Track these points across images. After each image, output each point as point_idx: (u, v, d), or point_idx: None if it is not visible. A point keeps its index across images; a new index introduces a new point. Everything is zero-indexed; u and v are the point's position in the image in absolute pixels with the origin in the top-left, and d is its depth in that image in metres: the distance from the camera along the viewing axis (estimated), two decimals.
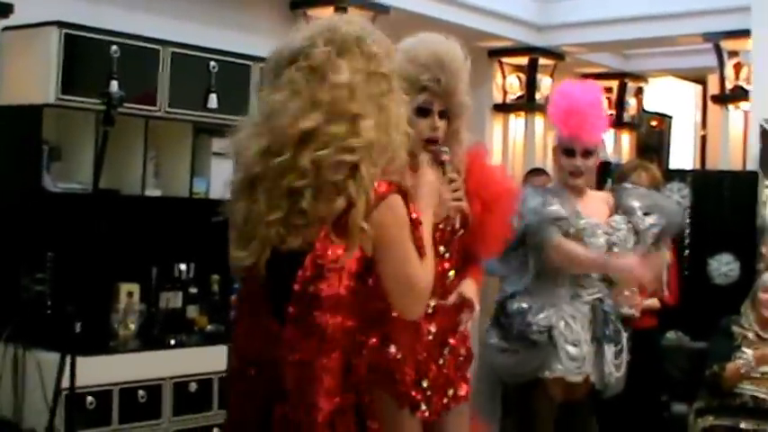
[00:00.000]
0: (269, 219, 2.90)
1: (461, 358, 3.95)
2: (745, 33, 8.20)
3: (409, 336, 3.74)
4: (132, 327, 6.04)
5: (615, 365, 4.75)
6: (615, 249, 4.68)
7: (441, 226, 3.76)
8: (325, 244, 2.86)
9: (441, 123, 3.75)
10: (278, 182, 2.90)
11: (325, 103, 2.91)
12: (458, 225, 3.85)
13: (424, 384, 3.78)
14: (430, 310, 3.78)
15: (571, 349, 4.64)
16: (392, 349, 3.71)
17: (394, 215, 2.92)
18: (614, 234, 4.70)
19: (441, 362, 3.84)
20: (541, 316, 4.64)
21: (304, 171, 2.86)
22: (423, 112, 3.72)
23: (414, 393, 3.74)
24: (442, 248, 3.81)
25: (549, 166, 9.39)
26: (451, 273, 3.87)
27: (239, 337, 3.12)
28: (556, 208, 4.64)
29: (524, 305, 4.66)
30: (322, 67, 2.96)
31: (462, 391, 3.93)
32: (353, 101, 2.93)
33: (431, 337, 3.82)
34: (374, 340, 3.69)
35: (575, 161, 4.73)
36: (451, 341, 3.89)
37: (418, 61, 3.70)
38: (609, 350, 4.74)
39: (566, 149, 4.74)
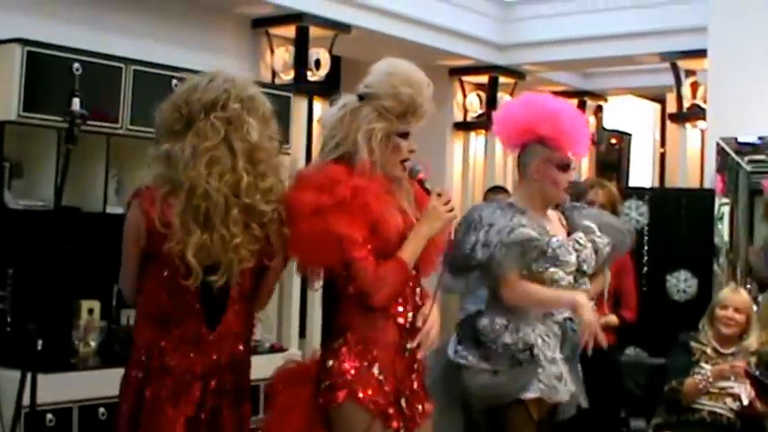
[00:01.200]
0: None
1: (422, 374, 3.99)
2: (701, 53, 8.28)
3: (391, 355, 3.81)
4: (93, 344, 6.03)
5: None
6: (584, 267, 4.68)
7: (400, 241, 3.82)
8: None
9: (414, 145, 3.88)
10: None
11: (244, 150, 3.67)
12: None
13: (402, 403, 3.81)
14: (408, 325, 3.86)
15: (552, 368, 4.60)
16: (375, 370, 3.77)
17: None
18: (582, 251, 4.71)
19: (413, 376, 3.88)
20: (521, 334, 4.57)
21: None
22: (404, 135, 3.84)
23: (394, 412, 3.78)
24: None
25: (510, 183, 9.48)
26: (418, 289, 3.92)
27: None
28: (525, 231, 4.53)
29: (503, 321, 4.58)
30: (237, 121, 3.69)
31: (428, 406, 3.95)
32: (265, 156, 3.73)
33: (407, 354, 3.85)
34: (356, 363, 3.76)
35: (569, 176, 4.72)
36: (419, 357, 3.92)
37: (414, 87, 3.80)
38: (579, 369, 4.77)
39: (562, 164, 4.66)
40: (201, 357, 3.78)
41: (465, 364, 4.64)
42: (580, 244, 4.70)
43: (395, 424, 3.77)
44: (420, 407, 3.89)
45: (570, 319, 4.71)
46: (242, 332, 3.91)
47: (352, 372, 3.74)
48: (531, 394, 4.57)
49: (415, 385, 3.88)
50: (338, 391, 3.73)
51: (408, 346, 3.84)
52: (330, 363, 3.79)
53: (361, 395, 3.72)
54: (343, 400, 3.72)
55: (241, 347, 3.92)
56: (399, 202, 3.86)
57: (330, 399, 3.74)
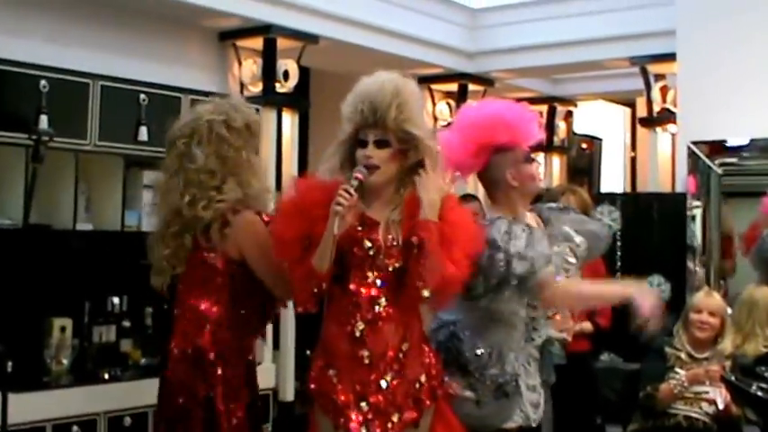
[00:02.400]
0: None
1: (418, 385, 3.97)
2: (670, 57, 8.30)
3: (346, 361, 3.90)
4: (65, 362, 5.99)
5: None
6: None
7: (355, 250, 3.90)
8: None
9: (376, 152, 3.91)
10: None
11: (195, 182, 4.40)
12: (399, 261, 3.93)
13: (364, 408, 3.85)
14: (358, 334, 3.90)
15: (532, 396, 4.53)
16: (330, 373, 3.92)
17: None
18: (569, 270, 4.64)
19: (383, 385, 3.88)
20: (507, 366, 4.46)
21: None
22: (360, 142, 3.93)
23: (350, 414, 3.84)
24: (369, 273, 3.93)
25: (480, 192, 9.46)
26: (382, 300, 3.91)
27: None
28: (543, 248, 4.43)
29: (486, 350, 4.44)
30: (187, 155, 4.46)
31: (410, 416, 3.95)
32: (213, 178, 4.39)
33: (367, 362, 3.88)
34: (320, 363, 3.97)
35: (537, 163, 4.71)
36: (396, 367, 3.91)
37: (348, 98, 3.95)
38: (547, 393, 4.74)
39: (529, 158, 4.61)
40: None
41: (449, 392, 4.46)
42: (568, 262, 4.65)
43: (351, 426, 3.85)
44: (395, 417, 3.89)
45: (550, 341, 4.70)
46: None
47: (315, 373, 3.98)
48: (512, 424, 4.53)
49: (390, 396, 3.88)
50: (308, 392, 4.02)
51: (365, 353, 3.88)
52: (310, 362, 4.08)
53: (319, 397, 3.94)
54: (312, 401, 3.99)
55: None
56: (368, 209, 3.94)
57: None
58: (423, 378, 3.99)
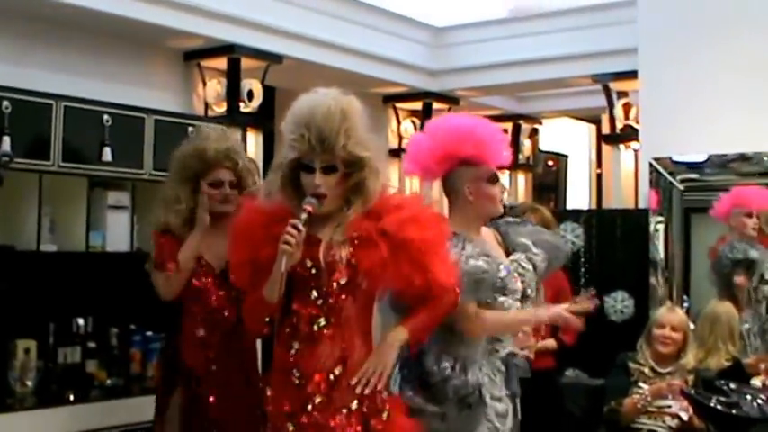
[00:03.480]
0: None
1: (346, 410, 3.87)
2: (632, 74, 8.35)
3: (281, 379, 3.91)
4: (30, 384, 5.97)
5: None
6: (528, 291, 4.63)
7: (298, 269, 3.84)
8: None
9: (324, 179, 3.83)
10: None
11: None
12: (343, 278, 3.89)
13: (290, 429, 3.84)
14: (293, 352, 3.88)
15: (498, 406, 4.51)
16: (268, 389, 3.95)
17: None
18: (525, 275, 4.68)
19: (309, 407, 3.84)
20: (469, 376, 4.45)
21: None
22: (306, 168, 3.85)
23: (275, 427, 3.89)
24: (314, 293, 3.87)
25: (445, 210, 9.49)
26: (321, 320, 3.88)
27: None
28: (476, 263, 4.41)
29: (449, 362, 4.43)
30: None
31: None
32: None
33: (296, 381, 3.86)
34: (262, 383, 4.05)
35: (500, 187, 4.67)
36: (323, 388, 3.86)
37: (289, 120, 3.86)
38: (517, 404, 4.74)
39: (494, 178, 4.60)
40: None
41: (412, 407, 4.39)
42: (523, 267, 4.66)
43: None
44: None
45: (514, 353, 4.72)
46: None
47: (263, 389, 3.99)
48: None
49: (319, 418, 3.82)
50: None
51: (296, 373, 3.87)
52: None
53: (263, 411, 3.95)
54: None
55: None
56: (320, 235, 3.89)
57: None
58: (353, 405, 3.87)
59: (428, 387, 4.46)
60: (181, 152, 5.15)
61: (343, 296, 3.90)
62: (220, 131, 5.25)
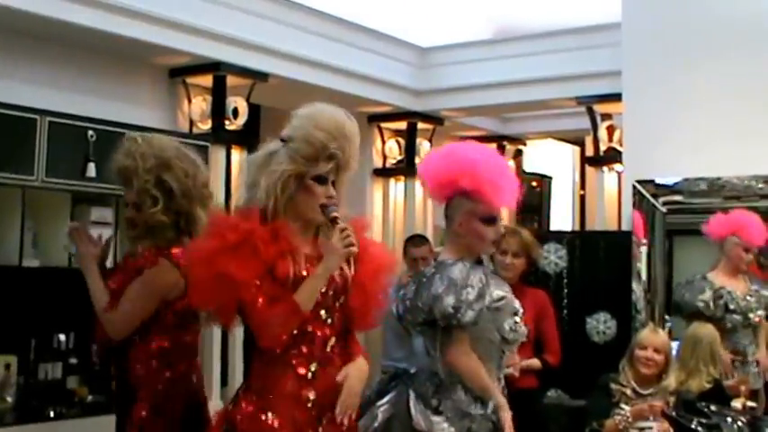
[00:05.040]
0: None
1: (344, 429, 3.91)
2: (616, 97, 8.38)
3: (288, 404, 3.78)
4: (10, 399, 5.96)
5: None
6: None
7: (322, 290, 3.81)
8: None
9: (333, 191, 3.87)
10: None
11: None
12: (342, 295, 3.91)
13: None
14: (310, 376, 3.83)
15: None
16: (269, 416, 3.76)
17: None
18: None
19: (320, 430, 3.83)
20: (491, 406, 4.50)
21: None
22: (320, 179, 3.83)
23: None
24: (323, 313, 3.85)
25: (430, 230, 9.51)
26: (332, 339, 3.89)
27: None
28: (499, 292, 4.52)
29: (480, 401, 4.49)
30: None
31: None
32: None
33: (310, 405, 3.82)
34: (250, 408, 3.78)
35: (497, 228, 4.65)
36: (331, 410, 3.85)
37: (327, 130, 3.81)
38: None
39: (489, 218, 4.57)
40: None
41: None
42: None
43: None
44: None
45: (501, 378, 4.74)
46: None
47: (245, 416, 3.77)
48: None
49: None
50: None
51: (311, 396, 3.81)
52: (229, 407, 3.88)
53: None
54: None
55: None
56: (304, 247, 3.85)
57: None
58: (346, 423, 3.91)
59: (465, 417, 4.49)
60: None
61: (338, 314, 3.93)
62: (148, 141, 4.65)
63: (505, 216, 10.71)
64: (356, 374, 3.90)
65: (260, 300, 3.68)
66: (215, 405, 6.50)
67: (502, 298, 4.51)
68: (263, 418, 3.76)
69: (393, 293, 4.80)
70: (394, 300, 4.81)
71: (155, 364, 4.48)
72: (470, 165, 4.55)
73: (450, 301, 4.38)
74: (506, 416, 4.42)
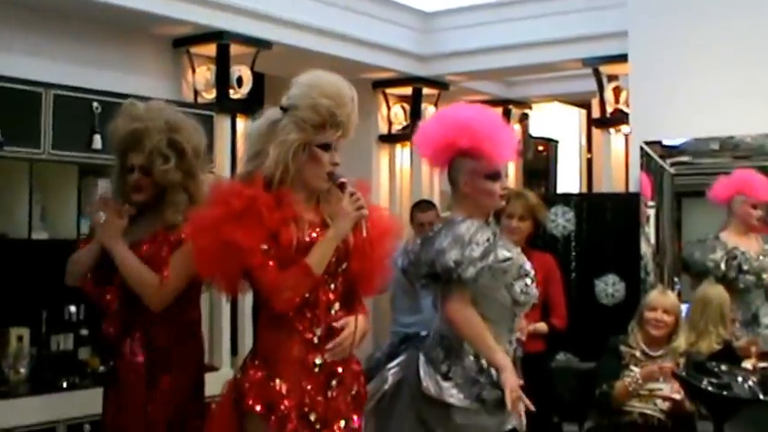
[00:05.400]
0: None
1: (353, 393, 3.99)
2: (622, 58, 8.36)
3: (296, 369, 3.82)
4: (23, 371, 5.98)
5: None
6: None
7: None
8: None
9: (338, 158, 3.92)
10: None
11: None
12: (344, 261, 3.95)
13: (312, 418, 3.82)
14: (316, 341, 3.87)
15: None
16: (276, 382, 3.80)
17: None
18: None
19: (329, 394, 3.88)
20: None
21: None
22: (325, 146, 3.87)
23: (299, 427, 3.78)
24: (326, 278, 3.89)
25: (436, 195, 9.51)
26: (336, 305, 3.93)
27: None
28: (505, 252, 4.51)
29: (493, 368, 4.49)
30: None
31: (355, 423, 3.98)
32: None
33: (317, 370, 3.86)
34: (258, 375, 3.82)
35: (502, 183, 4.65)
36: (340, 373, 3.93)
37: (333, 98, 3.83)
38: None
39: (492, 174, 4.59)
40: None
41: (455, 404, 4.50)
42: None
43: None
44: (342, 423, 3.91)
45: (518, 340, 4.75)
46: None
47: (253, 384, 3.82)
48: (508, 426, 4.56)
49: (334, 402, 3.88)
50: (243, 402, 3.82)
51: (318, 361, 3.86)
52: (238, 376, 3.92)
53: (258, 408, 3.78)
54: (246, 412, 3.81)
55: None
56: (307, 214, 3.89)
57: (238, 410, 3.84)
58: (355, 386, 4.00)
59: (475, 384, 4.50)
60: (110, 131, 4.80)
61: (341, 279, 3.96)
62: (149, 106, 4.80)
63: (512, 180, 10.75)
64: (355, 324, 3.94)
65: (270, 264, 3.72)
66: (225, 374, 6.55)
67: (508, 259, 4.51)
68: (272, 384, 3.81)
69: (400, 257, 4.81)
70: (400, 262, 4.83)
71: (185, 334, 4.62)
72: (465, 124, 4.58)
73: (453, 255, 4.40)
74: (507, 377, 4.42)
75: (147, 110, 4.69)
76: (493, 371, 4.47)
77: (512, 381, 4.40)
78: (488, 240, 4.46)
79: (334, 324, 3.88)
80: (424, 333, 4.88)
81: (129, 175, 4.61)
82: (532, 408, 4.41)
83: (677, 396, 6.16)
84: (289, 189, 3.83)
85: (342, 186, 3.88)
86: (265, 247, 3.71)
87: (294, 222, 3.80)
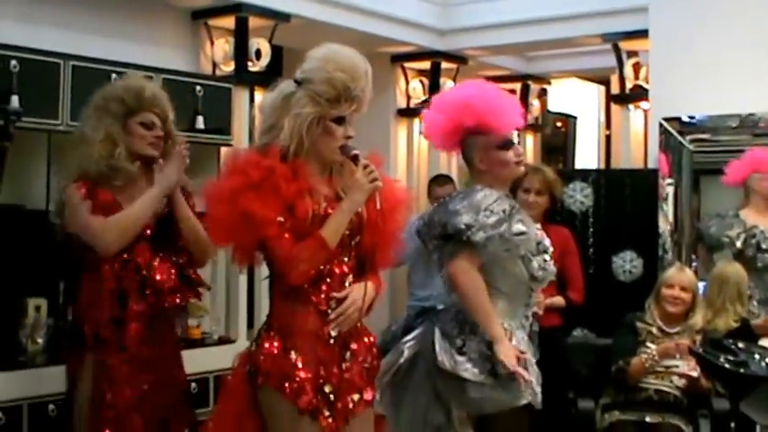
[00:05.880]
0: None
1: (366, 365, 4.01)
2: (642, 33, 8.33)
3: (311, 341, 3.84)
4: (41, 341, 5.99)
5: None
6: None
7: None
8: None
9: (351, 131, 3.92)
10: None
11: None
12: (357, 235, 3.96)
13: (327, 390, 3.84)
14: (330, 313, 3.88)
15: (535, 370, 4.59)
16: (292, 354, 3.82)
17: None
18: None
19: (342, 366, 3.90)
20: (515, 342, 4.51)
21: None
22: (338, 120, 3.87)
23: (314, 400, 3.80)
24: (339, 251, 3.90)
25: (454, 170, 9.50)
26: (350, 277, 3.94)
27: None
28: (521, 227, 4.52)
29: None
30: None
31: (368, 395, 3.99)
32: None
33: (332, 341, 3.88)
34: (273, 348, 3.84)
35: (517, 150, 4.68)
36: (354, 346, 3.95)
37: (348, 72, 3.83)
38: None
39: (504, 143, 4.63)
40: None
41: (469, 378, 4.51)
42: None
43: (316, 412, 3.82)
44: (356, 396, 3.92)
45: (530, 316, 4.75)
46: None
47: (268, 356, 3.84)
48: (523, 401, 4.57)
49: (348, 374, 3.90)
50: (257, 375, 3.85)
51: (333, 333, 3.87)
52: (252, 348, 3.94)
53: (274, 380, 3.80)
54: (261, 385, 3.83)
55: None
56: (321, 187, 3.89)
57: (253, 383, 3.86)
58: (369, 358, 4.01)
59: (488, 359, 4.50)
60: (110, 91, 4.87)
61: (354, 252, 3.97)
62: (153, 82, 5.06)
63: (530, 156, 10.74)
64: (360, 291, 3.94)
65: (285, 236, 3.73)
66: (242, 346, 6.55)
67: (522, 233, 4.52)
68: (286, 356, 3.83)
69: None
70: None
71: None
72: (465, 103, 4.63)
73: (465, 218, 4.42)
74: (499, 348, 4.43)
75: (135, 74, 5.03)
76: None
77: (506, 353, 4.41)
78: (504, 211, 4.47)
79: (335, 294, 3.88)
80: (440, 307, 4.88)
81: (145, 131, 4.73)
82: (527, 378, 4.42)
83: (694, 374, 6.16)
84: (303, 161, 3.84)
85: (355, 159, 3.89)
86: (281, 219, 3.72)
87: (309, 195, 3.81)
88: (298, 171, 3.80)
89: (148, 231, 4.66)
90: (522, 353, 4.49)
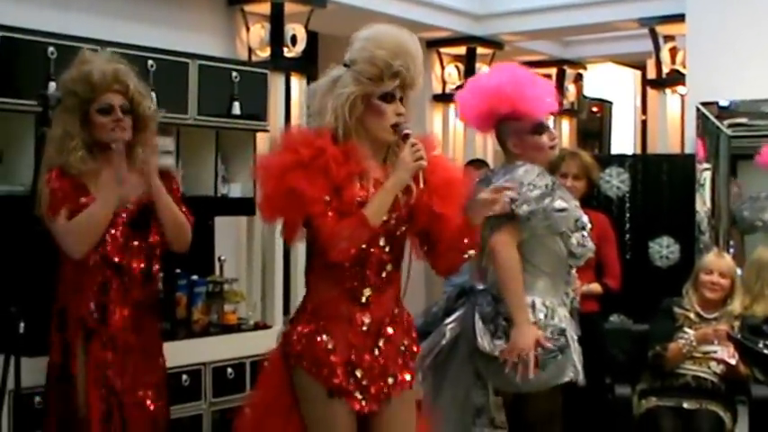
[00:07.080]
0: None
1: (403, 348, 4.00)
2: (679, 18, 8.29)
3: (343, 326, 3.86)
4: None
5: None
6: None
7: (384, 218, 3.84)
8: None
9: (403, 108, 3.88)
10: None
11: None
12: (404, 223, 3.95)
13: (358, 374, 3.86)
14: (364, 300, 3.89)
15: (577, 347, 4.67)
16: (324, 338, 3.85)
17: None
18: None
19: (375, 352, 3.90)
20: (556, 320, 4.59)
21: None
22: (387, 98, 3.85)
23: (345, 383, 3.83)
24: (382, 241, 3.90)
25: (490, 155, 9.48)
26: (389, 266, 3.94)
27: None
28: (562, 203, 4.59)
29: (543, 306, 4.61)
30: None
31: (406, 377, 3.99)
32: None
33: (365, 328, 3.89)
34: (306, 329, 3.88)
35: (550, 135, 4.75)
36: (389, 331, 3.94)
37: (389, 49, 3.80)
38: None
39: (537, 128, 4.70)
40: None
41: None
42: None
43: (347, 394, 3.85)
44: (390, 380, 3.92)
45: (570, 293, 4.76)
46: None
47: (300, 338, 3.88)
48: (565, 378, 4.58)
49: (382, 359, 3.90)
50: (290, 356, 3.90)
51: (366, 320, 3.88)
52: (286, 329, 3.99)
53: (305, 362, 3.85)
54: (294, 365, 3.88)
55: None
56: (374, 171, 3.89)
57: (287, 364, 3.92)
58: (406, 342, 4.01)
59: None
60: (64, 84, 4.81)
61: (397, 242, 3.98)
62: (105, 54, 4.96)
63: (566, 141, 10.70)
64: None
65: (329, 214, 3.73)
66: (278, 331, 6.59)
67: (563, 209, 4.55)
68: (318, 339, 3.86)
69: None
70: None
71: None
72: (497, 91, 4.70)
73: (509, 192, 4.38)
74: (518, 331, 4.48)
75: (103, 54, 4.94)
76: (548, 329, 4.50)
77: (521, 341, 4.46)
78: (547, 186, 4.53)
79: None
80: (480, 287, 4.88)
81: (104, 118, 4.66)
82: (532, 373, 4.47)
83: (732, 360, 6.12)
84: (355, 143, 3.84)
85: (405, 137, 3.86)
86: (328, 198, 3.73)
87: (360, 178, 3.83)
88: (350, 153, 3.81)
89: (124, 215, 4.66)
90: (549, 338, 4.51)
